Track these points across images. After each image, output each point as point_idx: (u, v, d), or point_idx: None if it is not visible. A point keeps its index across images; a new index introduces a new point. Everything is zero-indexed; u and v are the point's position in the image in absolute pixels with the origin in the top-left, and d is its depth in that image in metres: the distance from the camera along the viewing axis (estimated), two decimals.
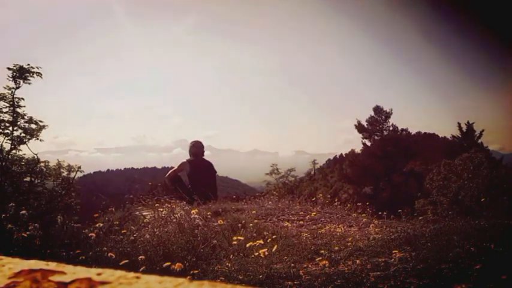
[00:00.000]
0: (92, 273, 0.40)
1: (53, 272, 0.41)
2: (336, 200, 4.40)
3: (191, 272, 1.93)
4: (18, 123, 4.40)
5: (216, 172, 5.12)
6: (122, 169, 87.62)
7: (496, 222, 2.55)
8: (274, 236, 2.51)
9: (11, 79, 4.31)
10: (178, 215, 2.94)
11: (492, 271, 1.56)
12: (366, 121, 20.37)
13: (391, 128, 20.01)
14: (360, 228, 3.02)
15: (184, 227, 2.62)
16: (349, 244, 2.35)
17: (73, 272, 0.40)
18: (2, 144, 4.31)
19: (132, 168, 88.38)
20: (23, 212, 2.68)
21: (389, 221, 3.34)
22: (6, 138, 4.35)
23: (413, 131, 22.71)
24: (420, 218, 3.60)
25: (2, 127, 4.33)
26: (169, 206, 3.36)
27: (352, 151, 24.06)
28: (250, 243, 2.10)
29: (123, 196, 4.72)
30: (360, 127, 20.41)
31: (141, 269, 1.89)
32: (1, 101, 4.31)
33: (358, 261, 1.94)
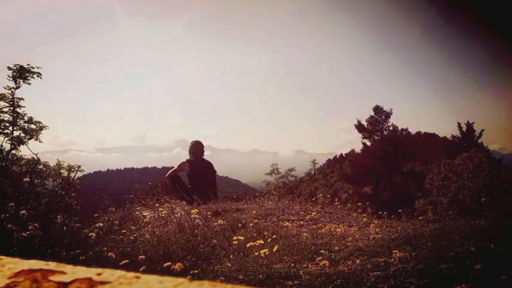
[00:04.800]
0: (92, 273, 0.40)
1: (53, 272, 0.41)
2: (336, 200, 4.39)
3: (191, 271, 1.93)
4: (18, 123, 4.40)
5: (215, 172, 5.13)
6: (122, 169, 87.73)
7: (496, 222, 2.55)
8: (274, 236, 2.51)
9: (11, 79, 4.31)
10: (178, 215, 2.94)
11: (492, 271, 1.56)
12: (366, 121, 20.38)
13: (391, 128, 20.04)
14: (360, 228, 3.02)
15: (184, 227, 2.62)
16: (349, 244, 2.35)
17: (73, 272, 0.40)
18: (2, 144, 4.31)
19: (132, 168, 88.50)
20: (23, 212, 2.68)
21: (390, 220, 3.34)
22: (6, 138, 4.35)
23: (413, 131, 22.72)
24: (420, 218, 3.60)
25: (2, 127, 4.32)
26: (169, 206, 3.36)
27: (352, 151, 24.09)
28: (251, 243, 2.09)
29: (123, 196, 4.72)
30: (360, 127, 20.42)
31: (141, 268, 1.89)
32: (1, 101, 4.30)
33: (358, 261, 1.94)
